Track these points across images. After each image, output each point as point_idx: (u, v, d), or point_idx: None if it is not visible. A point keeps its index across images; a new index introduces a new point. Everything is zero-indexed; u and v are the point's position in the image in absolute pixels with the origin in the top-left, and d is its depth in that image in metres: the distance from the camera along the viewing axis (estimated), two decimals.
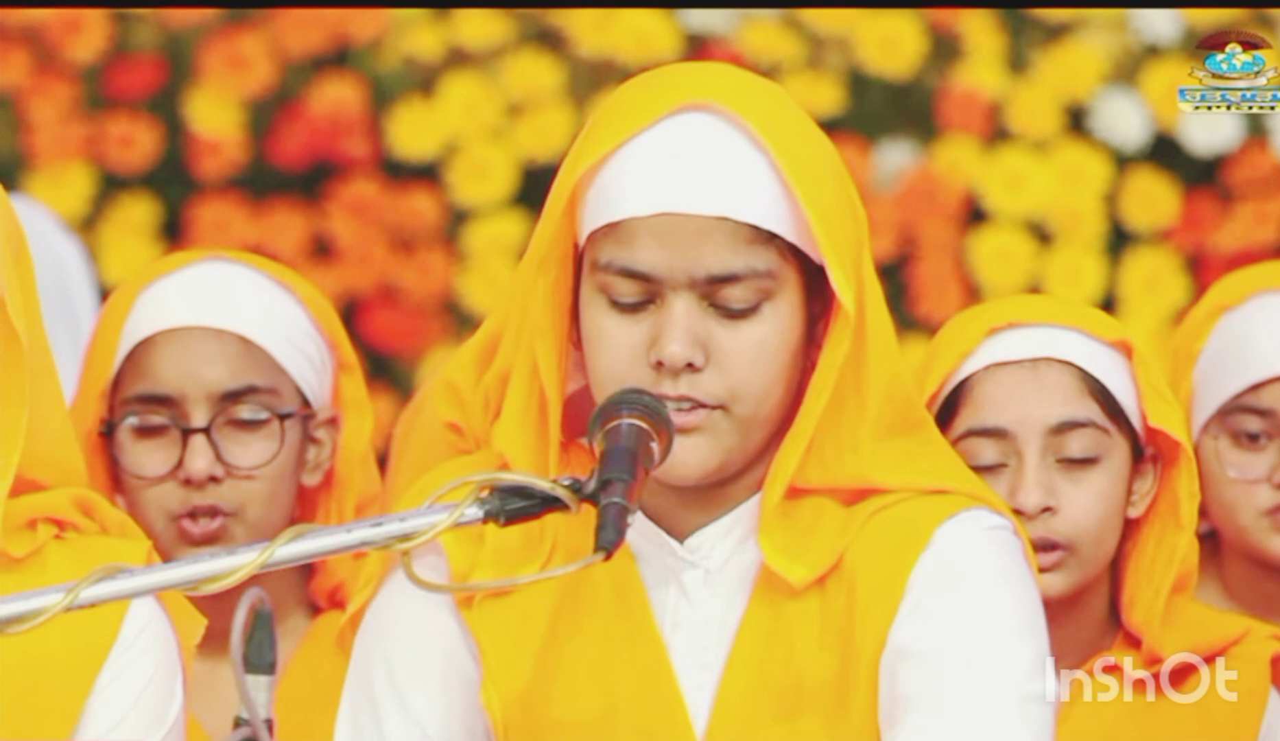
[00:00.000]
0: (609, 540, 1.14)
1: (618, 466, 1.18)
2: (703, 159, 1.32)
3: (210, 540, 1.79)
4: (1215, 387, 1.87)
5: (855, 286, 1.32)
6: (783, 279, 1.32)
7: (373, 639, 1.38)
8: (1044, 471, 1.63)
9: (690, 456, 1.30)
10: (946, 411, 1.65)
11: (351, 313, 3.54)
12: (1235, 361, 1.89)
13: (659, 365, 1.30)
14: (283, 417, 1.82)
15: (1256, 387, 1.87)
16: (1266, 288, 1.93)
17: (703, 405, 1.30)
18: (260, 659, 1.01)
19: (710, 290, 1.31)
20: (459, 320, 3.68)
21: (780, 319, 1.33)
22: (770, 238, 1.31)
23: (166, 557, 1.78)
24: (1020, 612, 1.33)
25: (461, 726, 1.35)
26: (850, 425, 1.34)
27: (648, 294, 1.31)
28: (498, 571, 1.33)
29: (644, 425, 1.22)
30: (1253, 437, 1.88)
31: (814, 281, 1.34)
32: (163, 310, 1.83)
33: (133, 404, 1.81)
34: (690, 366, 1.30)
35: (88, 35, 3.66)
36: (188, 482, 1.79)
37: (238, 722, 1.00)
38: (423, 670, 1.36)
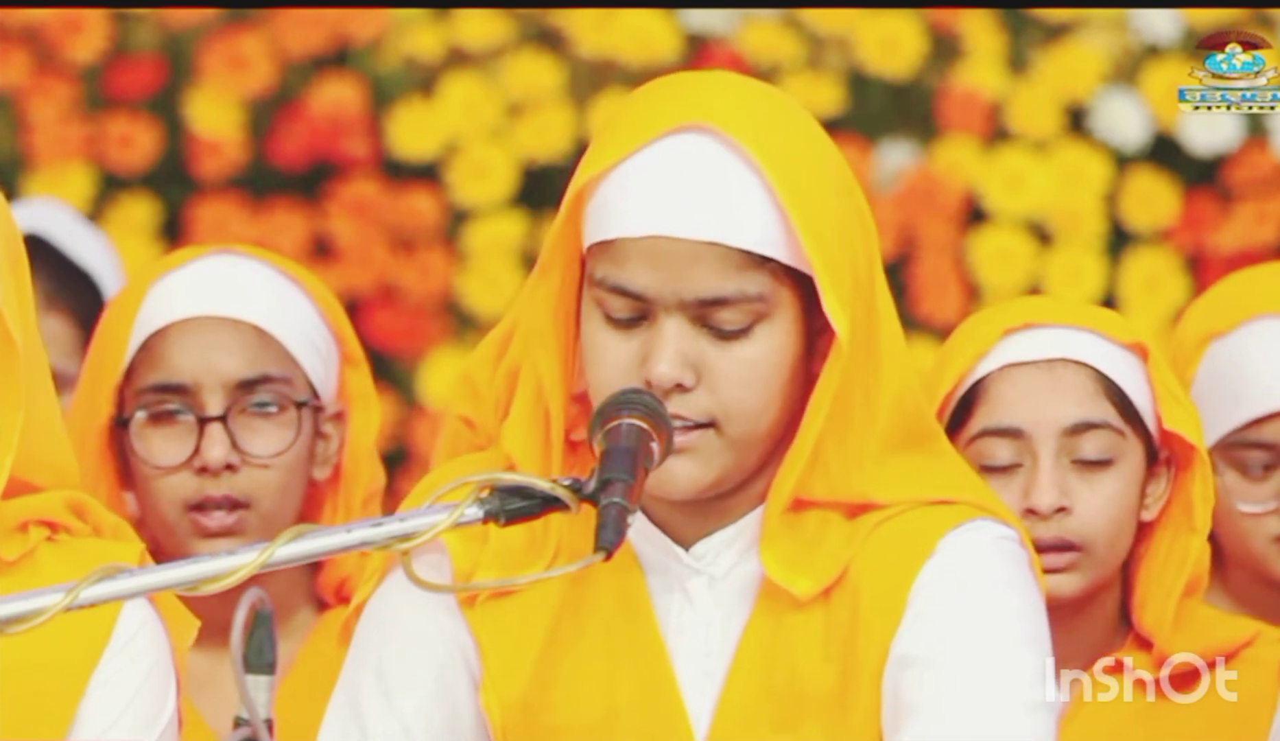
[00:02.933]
0: (609, 540, 1.14)
1: (618, 466, 1.18)
2: (695, 182, 1.31)
3: (226, 534, 1.80)
4: (1213, 420, 1.82)
5: (854, 307, 1.31)
6: (776, 301, 1.32)
7: (367, 636, 1.38)
8: (1058, 472, 1.63)
9: (682, 475, 1.29)
10: (961, 411, 1.65)
11: (351, 313, 3.53)
12: (1231, 395, 1.86)
13: (649, 384, 1.29)
14: (299, 406, 1.83)
15: (1257, 423, 1.86)
16: (1255, 314, 1.90)
17: (695, 425, 1.30)
18: (260, 659, 1.01)
19: (702, 312, 1.31)
20: (459, 320, 3.68)
21: (774, 339, 1.32)
22: (763, 262, 1.31)
23: (178, 550, 1.80)
24: (1024, 620, 1.33)
25: (449, 731, 1.35)
26: (858, 440, 1.34)
27: (640, 311, 1.31)
28: (501, 572, 1.33)
29: (644, 425, 1.22)
30: (1258, 469, 1.87)
31: (815, 296, 1.33)
32: (176, 301, 1.84)
33: (147, 394, 1.81)
34: (680, 387, 1.29)
35: (88, 35, 3.66)
36: (203, 471, 1.79)
37: (237, 723, 1.00)
38: (414, 672, 1.35)
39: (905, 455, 1.37)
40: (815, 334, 1.34)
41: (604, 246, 1.32)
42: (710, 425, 1.31)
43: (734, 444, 1.32)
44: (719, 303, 1.30)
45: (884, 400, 1.35)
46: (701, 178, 1.32)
